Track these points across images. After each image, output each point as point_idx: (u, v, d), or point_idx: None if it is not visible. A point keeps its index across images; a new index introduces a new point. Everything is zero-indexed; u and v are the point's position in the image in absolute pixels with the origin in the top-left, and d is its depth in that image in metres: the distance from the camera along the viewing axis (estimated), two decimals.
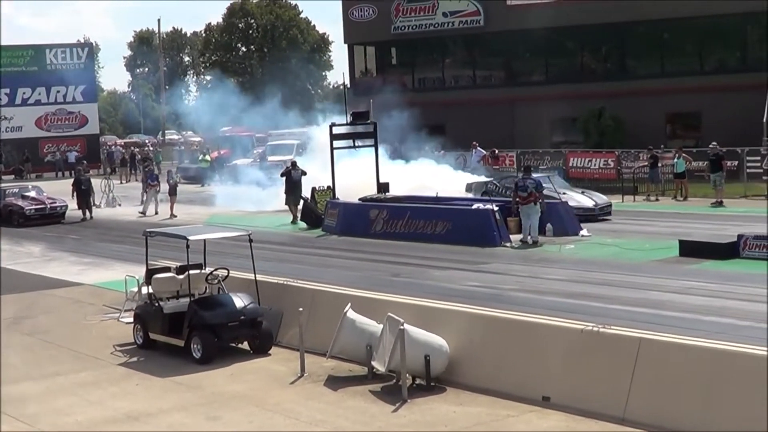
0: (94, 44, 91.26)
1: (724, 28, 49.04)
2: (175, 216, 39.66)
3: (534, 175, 28.93)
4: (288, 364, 17.26)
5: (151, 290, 19.21)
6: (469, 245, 27.46)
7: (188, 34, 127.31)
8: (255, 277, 18.95)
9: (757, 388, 12.50)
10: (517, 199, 28.26)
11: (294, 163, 36.99)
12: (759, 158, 38.60)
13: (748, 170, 38.56)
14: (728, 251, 23.54)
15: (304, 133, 49.92)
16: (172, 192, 41.04)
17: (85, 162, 54.89)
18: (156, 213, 41.69)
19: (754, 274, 21.49)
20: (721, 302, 18.78)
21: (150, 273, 19.58)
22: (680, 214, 33.52)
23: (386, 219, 31.08)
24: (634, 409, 13.56)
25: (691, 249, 24.16)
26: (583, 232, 28.92)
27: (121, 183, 59.45)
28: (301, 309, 17.22)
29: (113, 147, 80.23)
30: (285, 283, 19.76)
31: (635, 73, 51.68)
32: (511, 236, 28.26)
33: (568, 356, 14.67)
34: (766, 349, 12.90)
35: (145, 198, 42.81)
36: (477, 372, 15.63)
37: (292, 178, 35.96)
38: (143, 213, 41.88)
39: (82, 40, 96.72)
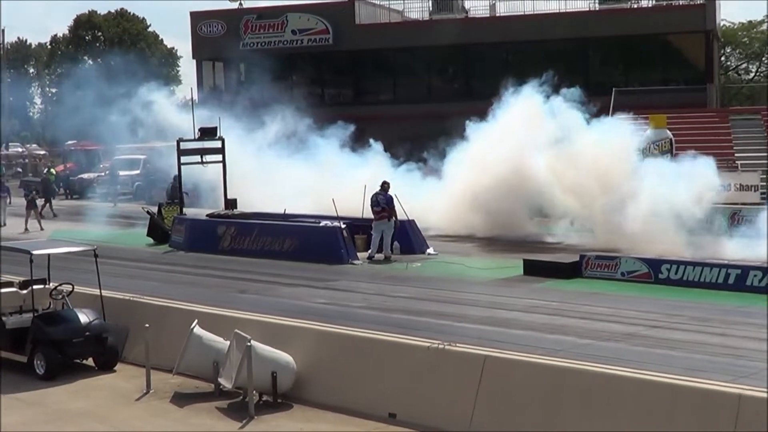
0: None
1: (564, 51, 50.57)
2: (43, 229, 38.94)
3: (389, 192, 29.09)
4: (134, 381, 17.07)
5: None
6: (317, 262, 27.52)
7: (33, 46, 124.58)
8: (101, 292, 18.71)
9: (594, 403, 12.88)
10: (373, 214, 28.45)
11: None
12: None
13: None
14: (571, 270, 24.10)
15: (154, 148, 49.40)
16: (32, 206, 40.26)
17: None
18: (4, 224, 40.89)
19: (594, 293, 22.08)
20: (563, 320, 19.18)
21: None
22: None
23: (234, 235, 30.92)
24: (479, 424, 13.83)
25: (535, 268, 24.63)
26: (430, 250, 29.28)
27: None
28: (147, 325, 17.06)
29: None
30: (131, 299, 19.56)
31: (481, 93, 52.66)
32: (358, 254, 28.45)
33: (415, 373, 14.87)
34: (602, 366, 13.34)
35: None
36: (324, 389, 15.72)
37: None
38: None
39: None
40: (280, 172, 37.98)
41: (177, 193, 35.32)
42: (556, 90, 33.42)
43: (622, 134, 32.20)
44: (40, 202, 43.34)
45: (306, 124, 41.56)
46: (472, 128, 35.30)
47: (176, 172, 34.97)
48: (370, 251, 28.51)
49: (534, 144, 32.35)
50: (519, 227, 32.83)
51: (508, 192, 32.56)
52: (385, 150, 39.12)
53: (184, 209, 34.59)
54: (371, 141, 39.32)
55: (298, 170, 37.59)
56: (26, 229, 39.38)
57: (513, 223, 32.78)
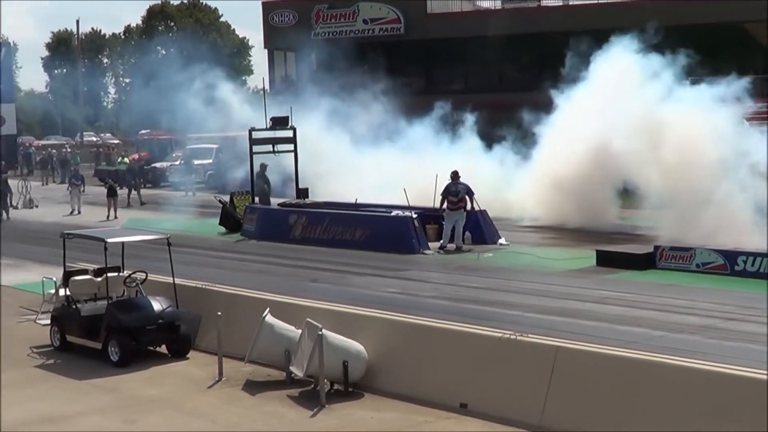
0: (11, 44, 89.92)
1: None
2: (116, 218, 39.39)
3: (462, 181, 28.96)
4: (206, 369, 17.18)
5: (68, 292, 19.02)
6: (388, 252, 27.56)
7: (107, 36, 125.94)
8: (174, 280, 18.85)
9: (668, 396, 12.74)
10: (448, 205, 28.36)
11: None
12: None
13: None
14: (645, 262, 23.86)
15: (227, 137, 49.73)
16: (112, 194, 40.74)
17: (2, 163, 54.08)
18: (79, 212, 41.55)
19: (668, 284, 21.87)
20: (636, 312, 19.05)
21: (67, 275, 19.38)
22: None
23: (305, 225, 31.06)
24: (551, 416, 13.72)
25: (608, 259, 24.44)
26: (502, 240, 29.16)
27: (43, 185, 58.72)
28: (219, 313, 17.16)
29: (30, 148, 79.19)
30: (204, 287, 19.68)
31: (554, 83, 52.16)
32: (429, 243, 28.42)
33: (486, 364, 14.80)
34: (676, 359, 13.19)
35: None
36: (395, 378, 15.70)
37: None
38: (73, 212, 41.75)
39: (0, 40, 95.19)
40: (367, 161, 37.62)
41: (263, 183, 35.37)
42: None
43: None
44: (122, 191, 43.87)
45: (387, 114, 41.28)
46: (561, 99, 34.25)
47: (265, 162, 35.15)
48: (442, 241, 28.45)
49: (624, 118, 30.42)
50: (603, 215, 31.85)
51: (593, 176, 31.61)
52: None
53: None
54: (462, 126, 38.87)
55: (386, 159, 37.05)
56: (108, 217, 39.87)
57: (597, 211, 31.87)
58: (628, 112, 29.95)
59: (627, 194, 32.69)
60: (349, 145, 39.68)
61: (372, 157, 37.80)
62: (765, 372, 12.47)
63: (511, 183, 34.47)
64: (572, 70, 34.08)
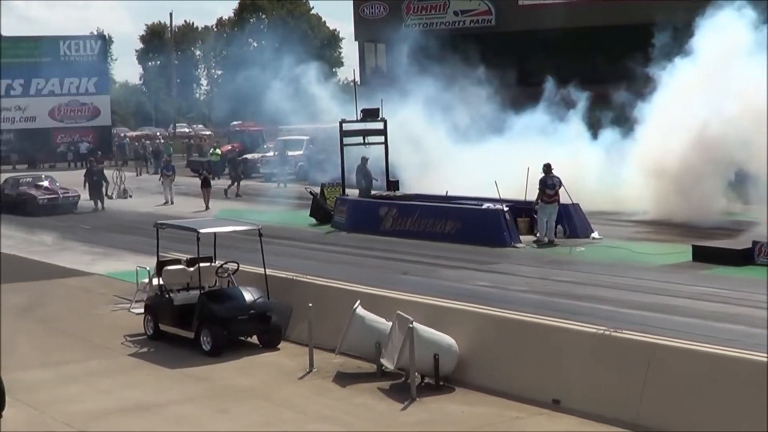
0: (107, 36, 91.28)
1: None
2: (209, 209, 39.78)
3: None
4: (297, 360, 17.21)
5: (161, 282, 19.21)
6: (479, 245, 27.39)
7: (200, 28, 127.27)
8: (265, 271, 18.90)
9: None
10: (543, 198, 28.09)
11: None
12: None
13: None
14: (742, 257, 23.35)
15: (318, 129, 49.92)
16: (206, 185, 41.12)
17: (100, 153, 54.97)
18: (171, 202, 42.11)
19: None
20: (733, 309, 18.69)
21: (161, 265, 19.59)
22: None
23: (396, 216, 31.03)
24: (647, 414, 13.47)
25: (704, 254, 23.98)
26: (595, 234, 28.82)
27: (137, 176, 59.55)
28: (310, 304, 17.16)
29: (125, 139, 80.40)
30: (294, 278, 19.72)
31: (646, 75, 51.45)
32: (521, 237, 28.20)
33: (580, 359, 14.59)
34: None
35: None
36: (486, 373, 15.56)
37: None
38: (166, 203, 42.34)
39: (95, 33, 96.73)
40: (466, 154, 37.21)
41: (364, 176, 35.46)
42: None
43: None
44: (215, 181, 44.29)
45: (483, 105, 40.94)
46: (662, 75, 33.50)
47: (365, 154, 35.27)
48: (538, 234, 28.16)
49: (733, 98, 29.39)
50: (710, 209, 30.64)
51: (699, 165, 30.69)
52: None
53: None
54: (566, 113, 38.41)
55: (488, 151, 36.72)
56: (207, 207, 40.23)
57: (704, 205, 30.68)
58: (737, 91, 29.06)
59: (739, 185, 31.89)
60: (445, 136, 39.39)
61: (471, 150, 37.45)
62: None
63: (617, 174, 33.69)
64: (664, 52, 33.44)
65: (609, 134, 36.51)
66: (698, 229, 28.74)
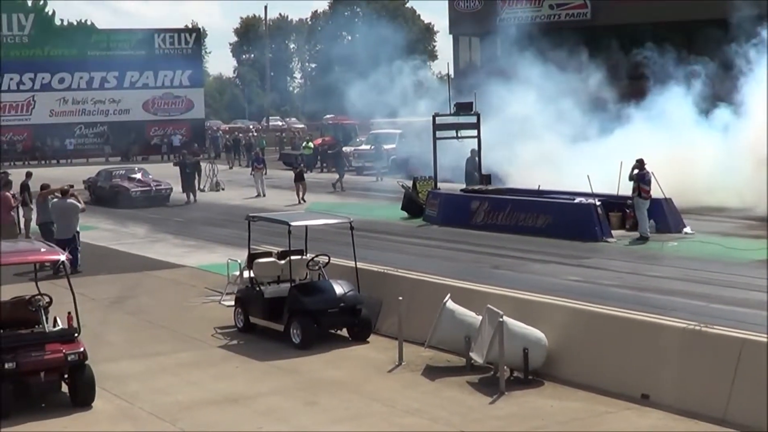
0: (201, 30, 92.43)
1: None
2: (305, 201, 40.06)
3: None
4: (386, 353, 17.30)
5: (252, 274, 19.41)
6: (570, 239, 27.33)
7: (294, 21, 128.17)
8: (356, 264, 19.02)
9: None
10: (642, 193, 27.86)
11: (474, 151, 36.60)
12: None
13: None
14: None
15: (410, 123, 50.04)
16: (300, 178, 41.38)
17: (196, 145, 55.57)
18: (263, 195, 42.49)
19: None
20: None
21: (252, 257, 19.79)
22: None
23: (487, 210, 31.05)
24: (735, 410, 13.36)
25: None
26: (687, 229, 28.55)
27: (230, 168, 60.17)
28: (400, 298, 17.24)
29: (218, 132, 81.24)
30: (385, 271, 19.80)
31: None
32: (612, 231, 28.05)
33: (669, 355, 14.49)
34: None
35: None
36: (575, 367, 15.53)
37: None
38: (258, 195, 42.81)
39: (190, 26, 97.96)
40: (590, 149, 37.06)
41: (471, 171, 35.57)
42: None
43: None
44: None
45: (586, 99, 40.58)
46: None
47: (475, 147, 35.33)
48: (642, 231, 27.82)
49: None
50: None
51: None
52: None
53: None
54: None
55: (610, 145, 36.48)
56: (300, 201, 40.46)
57: None
58: None
59: None
60: (556, 131, 39.12)
61: (590, 145, 37.09)
62: None
63: (730, 166, 33.06)
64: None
65: (722, 116, 35.68)
66: None
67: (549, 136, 38.37)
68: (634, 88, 43.92)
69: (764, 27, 34.74)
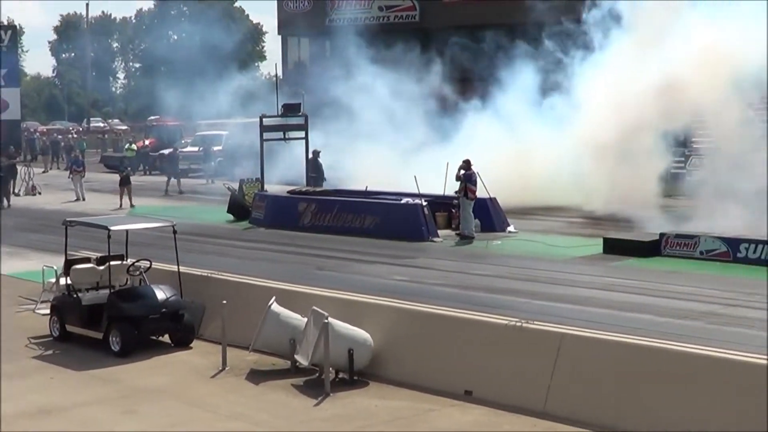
0: (17, 27, 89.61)
1: None
2: (133, 206, 39.15)
3: None
4: (209, 358, 17.06)
5: (69, 281, 18.84)
6: (398, 240, 27.47)
7: (117, 20, 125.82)
8: (178, 269, 18.71)
9: (671, 382, 12.63)
10: (469, 193, 28.10)
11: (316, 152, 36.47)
12: None
13: None
14: (650, 249, 23.81)
15: (239, 124, 49.64)
16: (126, 182, 40.34)
17: (12, 147, 53.70)
18: (83, 199, 41.44)
19: (673, 271, 21.83)
20: (641, 299, 18.98)
21: (69, 263, 19.16)
22: None
23: (314, 212, 30.97)
24: (555, 403, 13.62)
25: (614, 247, 24.40)
26: (511, 228, 29.02)
27: (45, 171, 58.54)
28: (224, 302, 17.02)
29: (35, 134, 78.84)
30: (209, 275, 19.55)
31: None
32: (439, 231, 28.30)
33: (491, 351, 14.70)
34: (679, 345, 13.10)
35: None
36: (400, 366, 15.59)
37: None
38: (78, 199, 41.67)
39: (6, 23, 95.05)
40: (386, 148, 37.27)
41: (316, 170, 35.37)
42: None
43: None
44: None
45: (407, 101, 40.78)
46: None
47: (317, 148, 35.19)
48: (466, 231, 28.06)
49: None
50: (644, 202, 30.28)
51: (632, 150, 31.08)
52: None
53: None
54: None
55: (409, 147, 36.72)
56: (121, 205, 39.55)
57: (637, 197, 30.51)
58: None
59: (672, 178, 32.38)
60: (387, 132, 39.25)
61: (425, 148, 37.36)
62: (765, 357, 12.41)
63: (567, 163, 33.71)
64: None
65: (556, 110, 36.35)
66: (616, 222, 28.99)
67: (384, 137, 38.53)
68: (466, 88, 44.45)
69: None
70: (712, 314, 17.06)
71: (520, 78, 37.86)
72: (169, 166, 46.90)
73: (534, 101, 36.81)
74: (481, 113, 37.98)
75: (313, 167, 35.57)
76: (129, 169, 43.10)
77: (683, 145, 35.66)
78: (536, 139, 34.77)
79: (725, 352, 12.81)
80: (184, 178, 46.57)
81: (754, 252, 22.30)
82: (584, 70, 34.42)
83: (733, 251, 22.68)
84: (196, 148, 54.13)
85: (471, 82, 45.88)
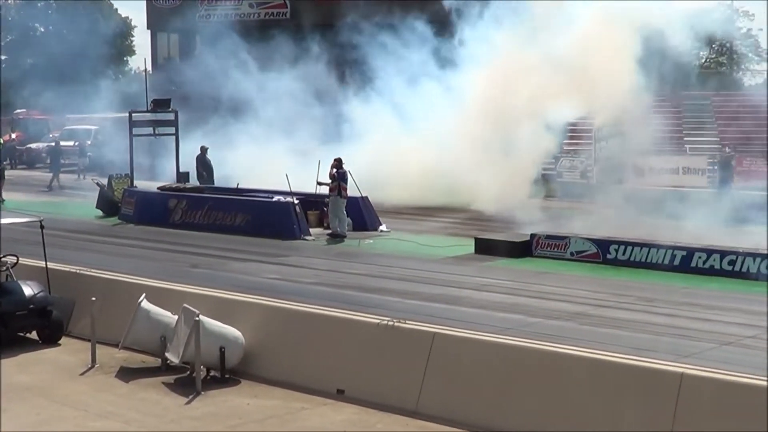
0: None
1: None
2: (4, 200, 38.15)
3: None
4: (78, 355, 16.84)
5: None
6: (270, 238, 27.38)
7: None
8: (46, 264, 18.42)
9: (541, 381, 12.88)
10: (342, 192, 28.13)
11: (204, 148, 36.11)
12: None
13: None
14: (522, 250, 24.14)
15: (108, 118, 48.90)
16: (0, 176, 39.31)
17: None
18: None
19: (544, 272, 22.15)
20: (513, 299, 19.21)
21: None
22: None
23: (185, 209, 30.69)
24: (427, 402, 13.78)
25: (486, 247, 24.66)
26: (383, 227, 29.18)
27: None
28: (93, 298, 16.83)
29: None
30: (78, 271, 19.29)
31: None
32: (311, 229, 28.32)
33: (364, 350, 14.81)
34: (550, 345, 13.36)
35: None
36: (273, 365, 15.62)
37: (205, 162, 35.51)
38: None
39: None
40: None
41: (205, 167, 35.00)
42: None
43: None
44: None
45: (279, 99, 40.73)
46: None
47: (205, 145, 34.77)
48: (339, 229, 28.08)
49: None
50: (518, 202, 30.87)
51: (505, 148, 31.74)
52: None
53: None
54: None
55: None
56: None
57: (510, 197, 31.18)
58: None
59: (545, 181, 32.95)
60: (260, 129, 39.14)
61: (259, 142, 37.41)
62: (633, 357, 12.84)
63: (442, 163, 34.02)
64: None
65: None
66: (494, 222, 29.36)
67: (262, 134, 38.49)
68: (341, 83, 44.53)
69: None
70: (583, 315, 17.38)
71: (399, 71, 38.19)
72: (52, 160, 46.00)
73: (414, 95, 37.21)
74: (359, 109, 38.26)
75: (202, 164, 35.29)
76: (5, 162, 41.99)
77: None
78: (418, 136, 35.14)
79: (595, 353, 13.11)
80: (49, 173, 45.66)
81: (623, 253, 22.72)
82: (465, 61, 34.84)
83: (603, 252, 23.09)
84: (71, 143, 53.18)
85: (344, 78, 45.97)
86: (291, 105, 40.22)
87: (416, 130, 35.68)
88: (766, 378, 11.81)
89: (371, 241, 27.44)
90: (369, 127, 36.45)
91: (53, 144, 48.40)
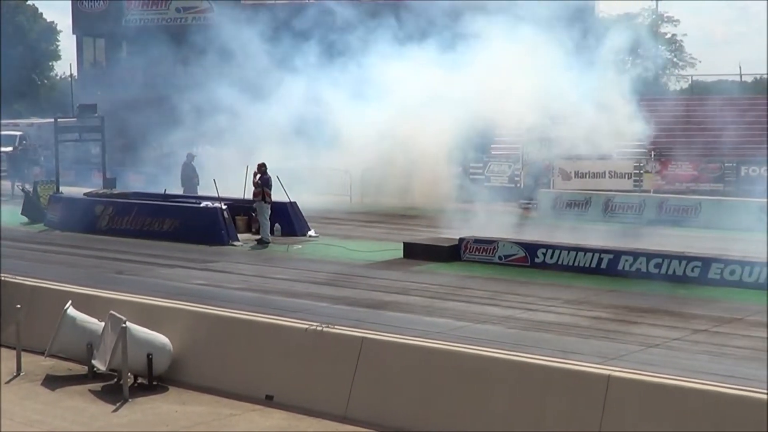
0: None
1: None
2: None
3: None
4: (4, 363, 16.58)
5: None
6: (198, 243, 27.31)
7: None
8: None
9: (471, 386, 12.95)
10: (266, 197, 28.07)
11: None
12: None
13: None
14: (450, 254, 24.28)
15: (33, 124, 48.36)
16: None
17: None
18: None
19: (472, 276, 22.31)
20: (441, 303, 19.33)
21: None
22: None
23: (112, 215, 30.50)
24: (356, 407, 13.77)
25: (414, 251, 24.79)
26: (311, 232, 29.22)
27: None
28: (18, 306, 16.63)
29: None
30: (1, 278, 19.04)
31: None
32: (239, 235, 28.26)
33: (292, 355, 14.77)
34: (477, 348, 13.46)
35: None
36: (201, 371, 15.52)
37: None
38: None
39: None
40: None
41: (190, 176, 34.73)
42: None
43: None
44: None
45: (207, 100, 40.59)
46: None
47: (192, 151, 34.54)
48: (262, 236, 28.05)
49: None
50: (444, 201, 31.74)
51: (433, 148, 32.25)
52: None
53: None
54: None
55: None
56: None
57: (436, 195, 32.00)
58: None
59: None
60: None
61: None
62: (560, 360, 12.95)
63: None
64: None
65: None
66: (426, 226, 29.56)
67: (200, 138, 38.41)
68: (274, 87, 44.50)
69: None
70: (511, 318, 17.53)
71: (330, 73, 38.34)
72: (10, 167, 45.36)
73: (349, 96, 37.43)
74: (295, 111, 38.36)
75: (189, 171, 35.12)
76: None
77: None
78: (353, 139, 35.35)
79: (522, 355, 13.19)
80: None
81: (551, 257, 22.95)
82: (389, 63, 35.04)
83: (531, 256, 23.30)
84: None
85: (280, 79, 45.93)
86: (222, 108, 40.15)
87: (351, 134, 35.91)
88: (691, 380, 11.99)
89: (300, 246, 27.47)
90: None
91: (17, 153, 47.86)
